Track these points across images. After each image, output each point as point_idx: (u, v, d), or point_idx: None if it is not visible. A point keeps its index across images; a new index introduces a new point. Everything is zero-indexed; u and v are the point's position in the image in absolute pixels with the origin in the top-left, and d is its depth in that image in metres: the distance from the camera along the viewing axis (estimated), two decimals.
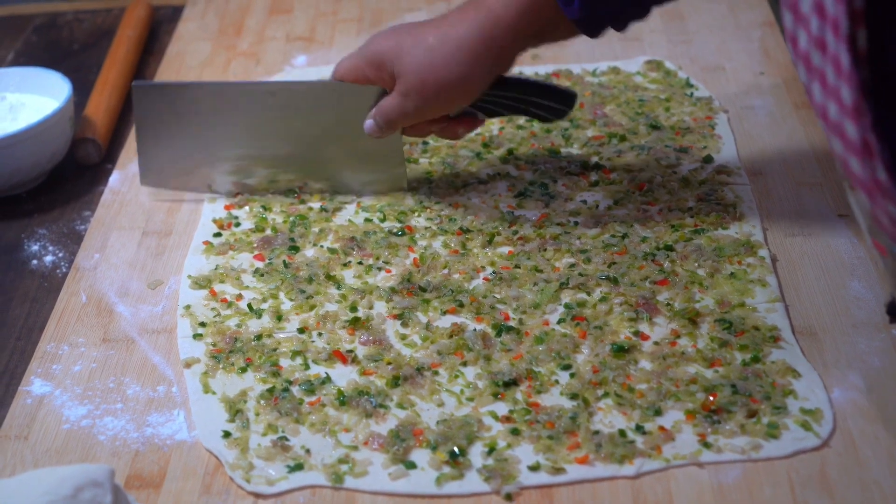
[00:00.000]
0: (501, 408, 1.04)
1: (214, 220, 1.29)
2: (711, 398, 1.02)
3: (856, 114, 0.80)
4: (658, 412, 1.02)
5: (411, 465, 0.99)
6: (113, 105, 1.51)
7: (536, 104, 1.26)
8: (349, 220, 1.27)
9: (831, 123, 0.83)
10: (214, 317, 1.16)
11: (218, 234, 1.27)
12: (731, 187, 1.29)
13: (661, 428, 1.01)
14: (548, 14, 1.15)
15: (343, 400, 1.05)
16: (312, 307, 1.16)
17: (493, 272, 1.19)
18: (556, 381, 1.06)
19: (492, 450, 1.00)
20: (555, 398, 1.05)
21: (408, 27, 1.20)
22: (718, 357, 1.07)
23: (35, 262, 1.30)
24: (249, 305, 1.17)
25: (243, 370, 1.09)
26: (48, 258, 1.30)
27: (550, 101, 1.26)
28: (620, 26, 1.18)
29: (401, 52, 1.18)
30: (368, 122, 1.23)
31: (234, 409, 1.05)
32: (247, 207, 1.30)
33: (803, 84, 0.86)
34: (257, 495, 0.98)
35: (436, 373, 1.08)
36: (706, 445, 0.99)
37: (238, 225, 1.28)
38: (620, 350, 1.08)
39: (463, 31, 1.16)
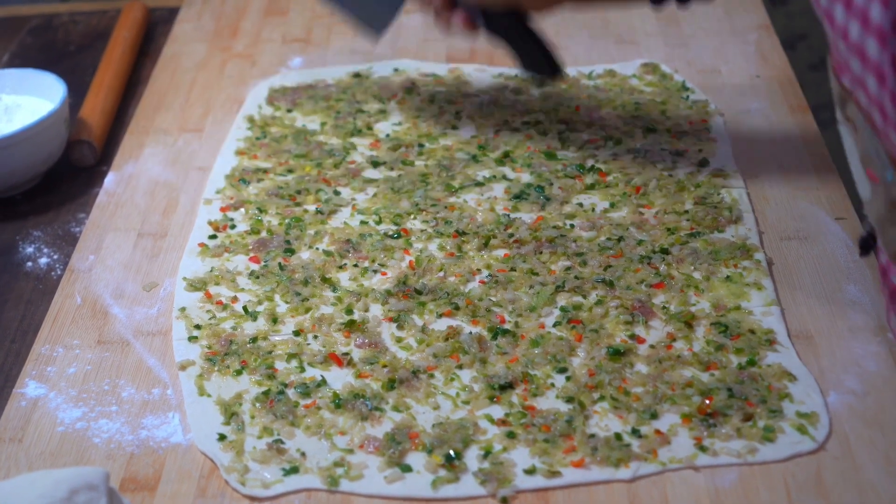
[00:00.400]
0: (497, 411, 1.04)
1: (210, 222, 1.29)
2: (707, 402, 1.02)
3: (892, 31, 0.81)
4: (654, 415, 1.02)
5: (407, 469, 0.99)
6: (108, 107, 1.51)
7: (531, 53, 1.28)
8: (345, 223, 1.27)
9: (851, 44, 0.85)
10: (210, 319, 1.16)
11: (213, 237, 1.27)
12: (726, 190, 1.29)
13: (657, 431, 1.01)
14: None
15: (338, 403, 1.05)
16: (308, 310, 1.16)
17: (489, 275, 1.19)
18: (552, 385, 1.06)
19: (487, 453, 1.00)
20: (551, 401, 1.04)
21: None
22: (714, 360, 1.07)
23: (30, 264, 1.30)
24: (245, 308, 1.17)
25: (238, 373, 1.09)
26: (43, 260, 1.30)
27: (546, 60, 1.30)
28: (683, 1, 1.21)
29: None
30: None
31: (230, 412, 1.05)
32: (242, 209, 1.30)
33: (822, 11, 0.87)
34: (252, 498, 0.98)
35: (431, 376, 1.08)
36: (702, 449, 0.99)
37: (233, 227, 1.28)
38: (616, 353, 1.08)
39: None
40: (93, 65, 1.65)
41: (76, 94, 1.53)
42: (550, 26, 1.64)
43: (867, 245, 1.07)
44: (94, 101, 1.50)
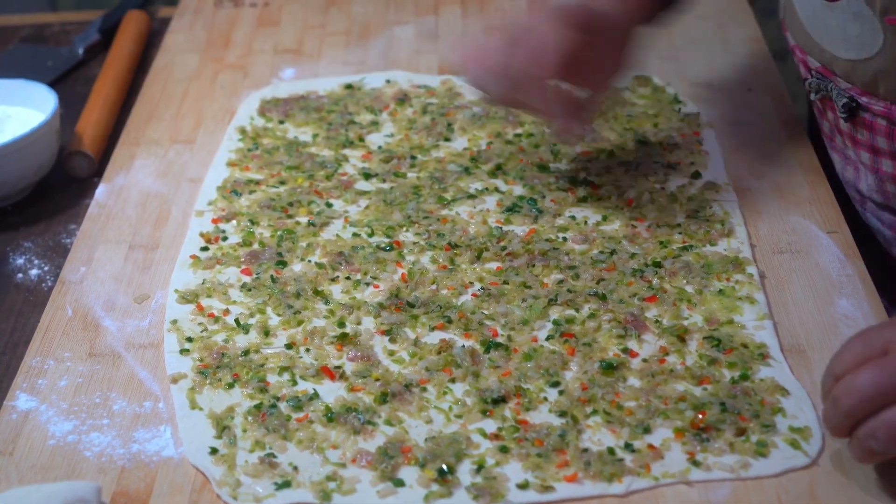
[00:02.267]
0: (490, 425, 1.04)
1: (202, 234, 1.28)
2: (700, 416, 1.02)
3: None
4: (647, 430, 1.02)
5: (399, 483, 0.99)
6: (107, 119, 1.51)
7: None
8: (337, 235, 1.27)
9: None
10: (201, 332, 1.15)
11: (205, 248, 1.27)
12: (719, 203, 1.29)
13: (650, 446, 1.00)
14: None
15: (331, 416, 1.05)
16: (300, 322, 1.15)
17: (482, 288, 1.19)
18: (545, 399, 1.06)
19: (480, 467, 0.99)
20: (543, 415, 1.04)
21: None
22: (707, 375, 1.07)
23: (20, 275, 1.29)
24: (237, 320, 1.16)
25: (230, 386, 1.09)
26: (34, 272, 1.30)
27: None
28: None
29: None
30: None
31: (222, 426, 1.05)
32: (234, 221, 1.30)
33: None
34: None
35: (424, 389, 1.07)
36: (695, 464, 0.99)
37: (225, 239, 1.28)
38: (609, 367, 1.08)
39: None
40: (84, 75, 1.65)
41: (66, 104, 1.53)
42: None
43: (853, 110, 1.21)
44: (93, 113, 1.50)
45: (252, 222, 1.29)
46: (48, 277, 1.28)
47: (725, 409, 1.03)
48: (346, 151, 1.41)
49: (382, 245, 1.25)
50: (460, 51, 1.22)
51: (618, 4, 1.20)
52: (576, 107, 1.21)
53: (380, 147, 1.42)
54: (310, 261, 1.24)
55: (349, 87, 1.55)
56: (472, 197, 1.32)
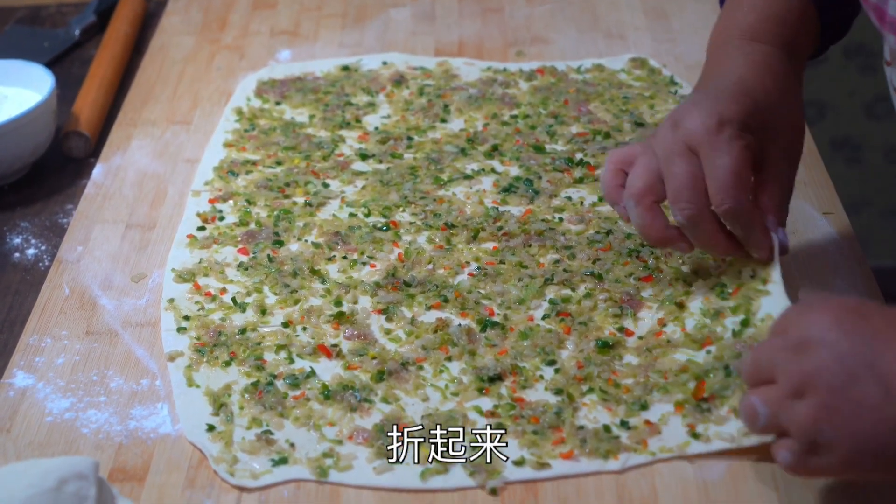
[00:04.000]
0: (486, 403, 1.04)
1: (198, 214, 1.28)
2: (702, 385, 1.01)
3: None
4: (644, 406, 1.02)
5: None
6: (104, 100, 1.50)
7: None
8: (333, 215, 1.27)
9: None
10: (198, 310, 1.16)
11: (202, 228, 1.27)
12: None
13: (647, 422, 1.00)
14: None
15: (328, 394, 1.05)
16: (297, 301, 1.16)
17: (478, 267, 1.19)
18: (541, 377, 1.06)
19: None
20: (539, 393, 1.05)
21: None
22: (709, 334, 1.06)
23: (17, 255, 1.29)
24: (234, 299, 1.16)
25: (227, 364, 1.09)
26: (30, 251, 1.30)
27: None
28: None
29: None
30: None
31: (218, 403, 1.05)
32: (231, 201, 1.30)
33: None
34: (241, 489, 0.98)
35: (420, 367, 1.08)
36: (695, 436, 0.98)
37: (222, 219, 1.28)
38: (605, 346, 1.08)
39: None
40: (80, 57, 1.65)
41: (63, 86, 1.52)
42: (539, 21, 1.64)
43: None
44: (90, 94, 1.50)
45: (249, 202, 1.30)
46: (45, 257, 1.28)
47: (729, 374, 1.01)
48: (343, 132, 1.42)
49: (379, 225, 1.25)
50: None
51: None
52: None
53: (376, 128, 1.42)
54: (306, 240, 1.24)
55: (346, 68, 1.55)
56: (468, 178, 1.32)
